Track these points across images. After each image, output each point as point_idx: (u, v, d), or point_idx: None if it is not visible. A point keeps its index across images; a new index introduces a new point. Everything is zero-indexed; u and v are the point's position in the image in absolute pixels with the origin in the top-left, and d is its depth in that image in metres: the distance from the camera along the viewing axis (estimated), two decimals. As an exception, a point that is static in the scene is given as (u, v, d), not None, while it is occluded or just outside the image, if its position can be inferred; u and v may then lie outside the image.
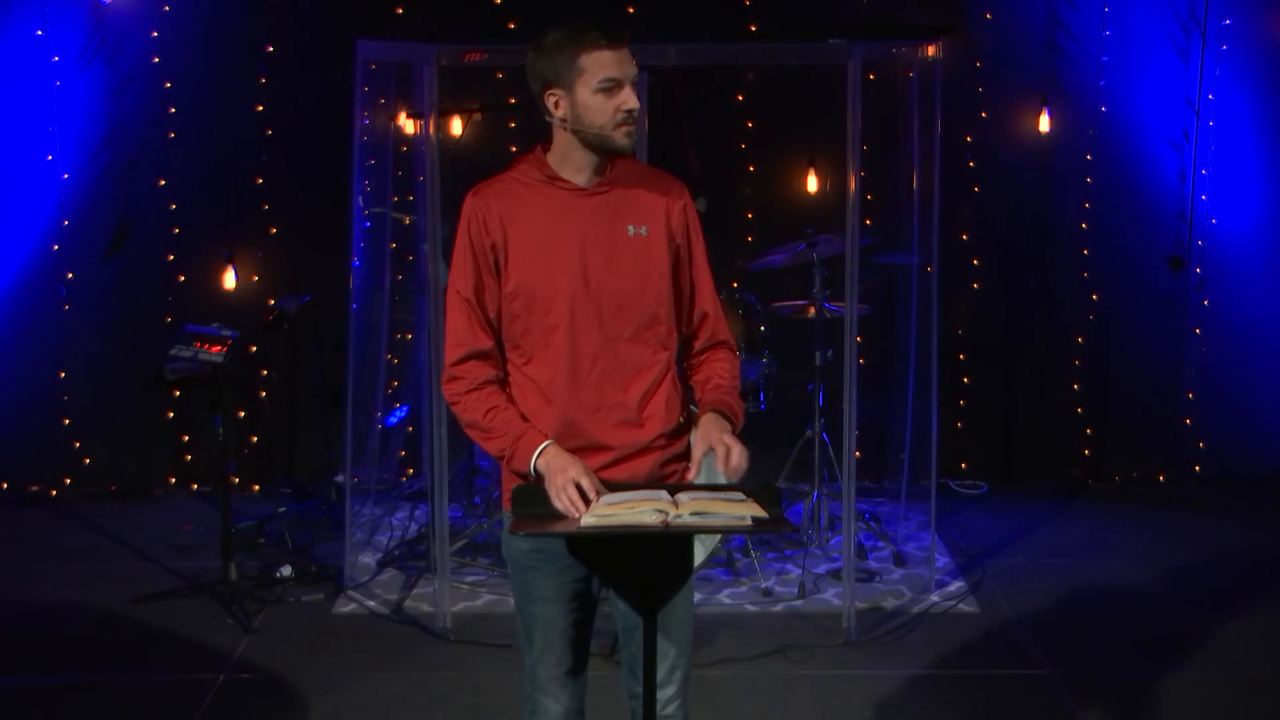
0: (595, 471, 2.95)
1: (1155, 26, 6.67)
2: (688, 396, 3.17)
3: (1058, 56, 6.71)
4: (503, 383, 3.07)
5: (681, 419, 3.11)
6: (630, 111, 2.94)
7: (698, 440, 2.98)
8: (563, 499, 2.85)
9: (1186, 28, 6.65)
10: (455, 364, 3.05)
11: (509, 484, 3.05)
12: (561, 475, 2.88)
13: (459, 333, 3.05)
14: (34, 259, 6.69)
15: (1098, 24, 6.66)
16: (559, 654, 3.09)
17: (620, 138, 2.97)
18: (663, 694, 3.10)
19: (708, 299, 3.15)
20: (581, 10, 6.70)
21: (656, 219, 3.05)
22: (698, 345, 3.18)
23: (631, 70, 2.95)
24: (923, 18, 6.50)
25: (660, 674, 3.08)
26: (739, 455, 2.92)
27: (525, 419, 3.02)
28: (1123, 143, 6.75)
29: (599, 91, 2.92)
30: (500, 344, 3.07)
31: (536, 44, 2.98)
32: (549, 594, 3.06)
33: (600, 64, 2.92)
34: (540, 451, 2.95)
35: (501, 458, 3.02)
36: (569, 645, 3.10)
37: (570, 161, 3.02)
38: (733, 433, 3.00)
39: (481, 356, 3.05)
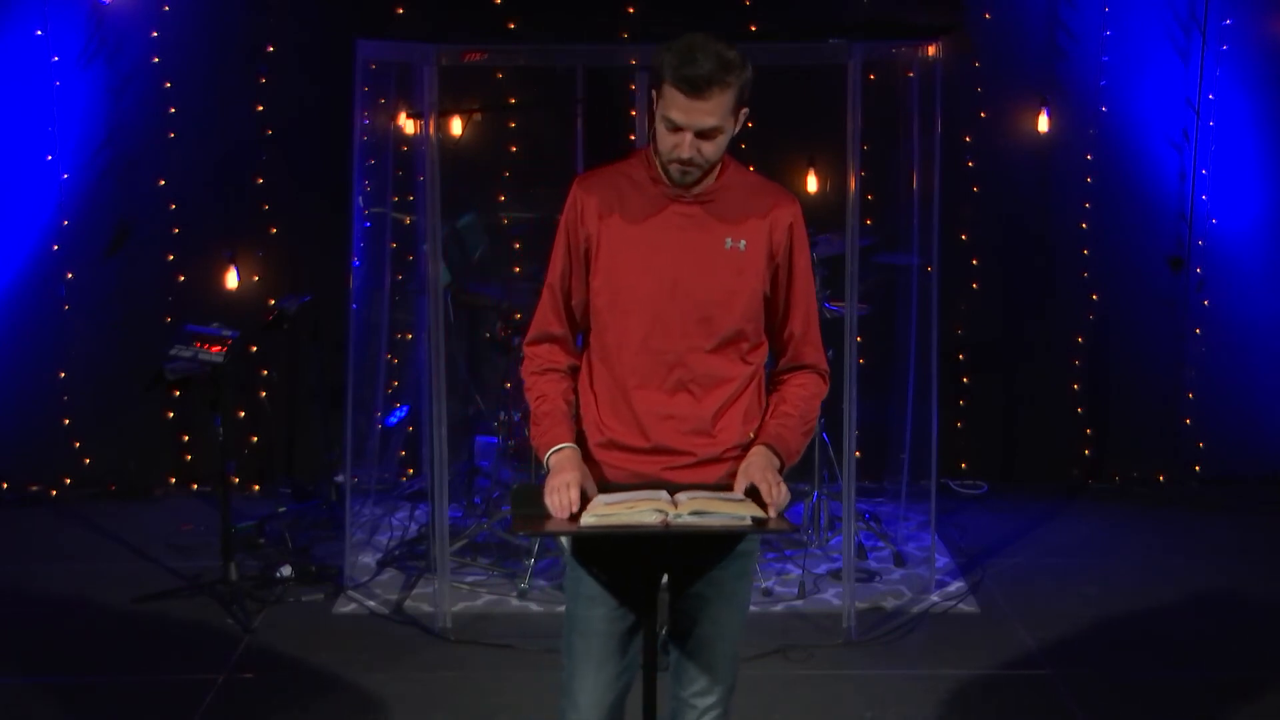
0: (663, 473, 2.95)
1: (1155, 26, 6.67)
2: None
3: (1057, 56, 6.70)
4: (570, 371, 3.08)
5: (752, 434, 3.03)
6: (678, 160, 2.87)
7: (740, 473, 2.92)
8: (553, 499, 2.84)
9: (1186, 28, 6.65)
10: (528, 344, 3.10)
11: None
12: (559, 477, 2.87)
13: (538, 315, 3.08)
14: (34, 259, 6.68)
15: (1098, 24, 6.66)
16: (596, 663, 3.01)
17: (672, 170, 2.92)
18: (703, 701, 3.10)
19: (799, 321, 3.06)
20: (581, 10, 6.71)
21: (757, 234, 2.97)
22: (781, 364, 3.11)
23: (701, 122, 2.83)
24: (923, 18, 6.49)
25: (702, 683, 3.09)
26: (781, 495, 2.85)
27: (568, 416, 3.01)
28: (1123, 143, 6.75)
29: (662, 121, 2.87)
30: (575, 332, 3.07)
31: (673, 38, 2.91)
32: (594, 594, 3.00)
33: (671, 102, 2.84)
34: (556, 450, 2.95)
35: (535, 446, 3.03)
36: (609, 657, 3.01)
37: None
38: (781, 468, 2.94)
39: (553, 340, 3.07)
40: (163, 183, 6.69)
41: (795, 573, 5.56)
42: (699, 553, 3.01)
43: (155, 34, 6.57)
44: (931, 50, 5.29)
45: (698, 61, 2.80)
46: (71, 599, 5.47)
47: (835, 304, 5.74)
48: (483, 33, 6.42)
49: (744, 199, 2.99)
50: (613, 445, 3.00)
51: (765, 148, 6.73)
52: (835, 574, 5.57)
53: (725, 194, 2.98)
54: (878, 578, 5.63)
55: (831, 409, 5.63)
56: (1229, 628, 5.16)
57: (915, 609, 5.32)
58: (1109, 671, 4.79)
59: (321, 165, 6.51)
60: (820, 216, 6.05)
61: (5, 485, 6.84)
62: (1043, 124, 6.64)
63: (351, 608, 5.38)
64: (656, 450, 2.97)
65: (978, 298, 6.87)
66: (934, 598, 5.43)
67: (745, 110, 2.92)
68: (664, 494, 2.84)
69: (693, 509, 2.75)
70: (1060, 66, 6.71)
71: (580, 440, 3.03)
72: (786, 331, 3.07)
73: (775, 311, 3.05)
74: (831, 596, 5.41)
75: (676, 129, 2.85)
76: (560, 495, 2.84)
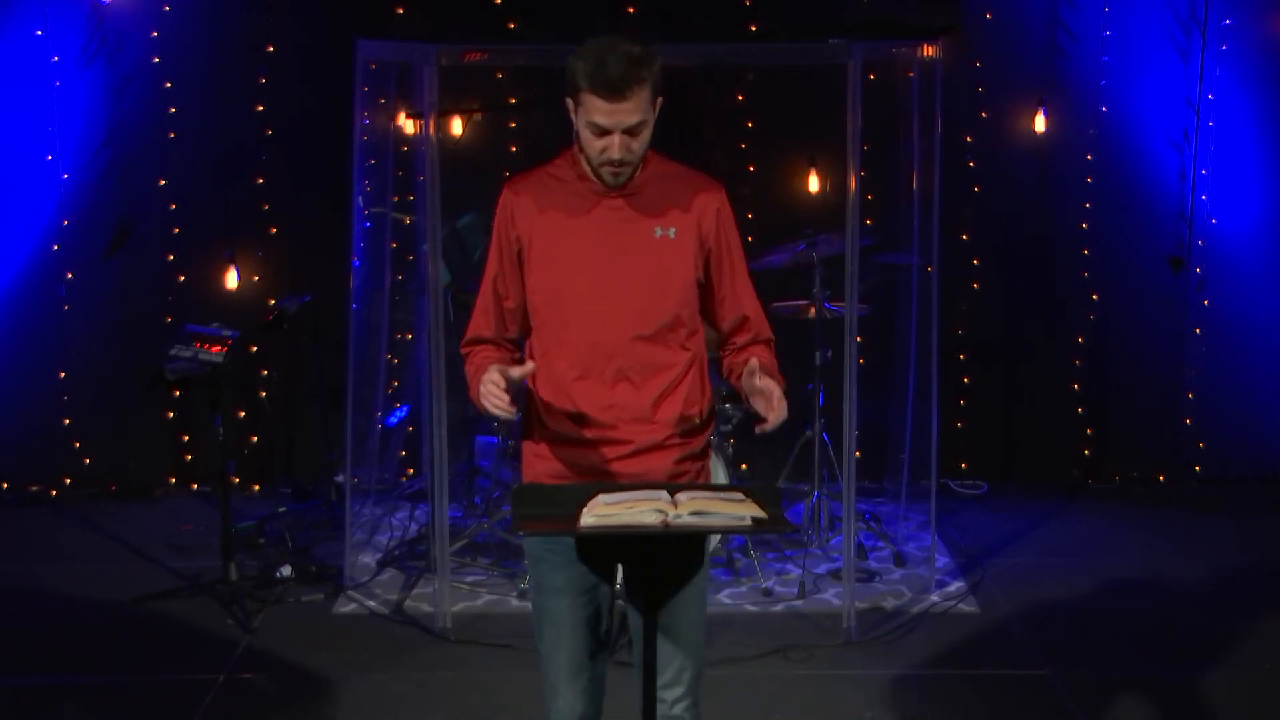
0: (610, 463, 3.04)
1: (1155, 26, 6.67)
2: (716, 394, 3.18)
3: (1057, 56, 6.70)
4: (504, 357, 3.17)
5: (698, 419, 3.12)
6: (611, 160, 2.95)
7: (757, 373, 2.96)
8: (487, 404, 2.93)
9: (1186, 28, 6.64)
10: (464, 345, 3.20)
11: (529, 471, 3.16)
12: (481, 387, 2.96)
13: (472, 319, 3.18)
14: (34, 259, 6.69)
15: (1098, 24, 6.66)
16: (569, 650, 3.10)
17: (604, 174, 3.00)
18: (670, 693, 3.13)
19: (747, 302, 3.15)
20: (581, 10, 6.71)
21: (686, 222, 3.05)
22: (739, 342, 3.18)
23: (626, 120, 2.91)
24: (922, 18, 6.49)
25: (669, 675, 3.11)
26: (780, 405, 2.93)
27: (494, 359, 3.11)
28: (1123, 143, 6.75)
29: (587, 129, 2.95)
30: (509, 333, 3.16)
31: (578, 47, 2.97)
32: (558, 586, 3.09)
33: (592, 108, 2.92)
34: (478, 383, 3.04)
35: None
36: (579, 642, 3.11)
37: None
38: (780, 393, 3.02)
39: (484, 343, 3.16)
40: (163, 183, 6.70)
41: (795, 573, 5.56)
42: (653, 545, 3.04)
43: (155, 34, 6.57)
44: (931, 50, 5.29)
45: (609, 65, 2.87)
46: (71, 599, 5.48)
47: (835, 304, 5.74)
48: (483, 33, 6.42)
49: (669, 189, 3.07)
50: (557, 439, 3.09)
51: (765, 148, 6.76)
52: (835, 574, 5.57)
53: (651, 186, 3.05)
54: (878, 578, 5.63)
55: (831, 409, 5.65)
56: (1229, 628, 5.16)
57: (915, 609, 5.32)
58: (1109, 671, 4.79)
59: (321, 165, 6.51)
60: (820, 216, 6.06)
61: (5, 485, 6.85)
62: (1039, 124, 6.64)
63: (351, 608, 5.39)
64: (598, 441, 3.05)
65: (978, 298, 6.87)
66: (934, 598, 5.43)
67: (660, 99, 3.00)
68: (664, 494, 2.85)
69: (693, 509, 2.75)
70: (1060, 66, 6.71)
71: (527, 435, 3.15)
72: (738, 314, 3.16)
73: (719, 296, 3.14)
74: (831, 596, 5.41)
75: (604, 132, 2.92)
76: (491, 398, 2.92)
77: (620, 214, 3.03)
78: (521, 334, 3.17)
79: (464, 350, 3.21)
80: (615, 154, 2.93)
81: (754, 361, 3.00)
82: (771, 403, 2.93)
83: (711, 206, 3.08)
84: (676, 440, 3.08)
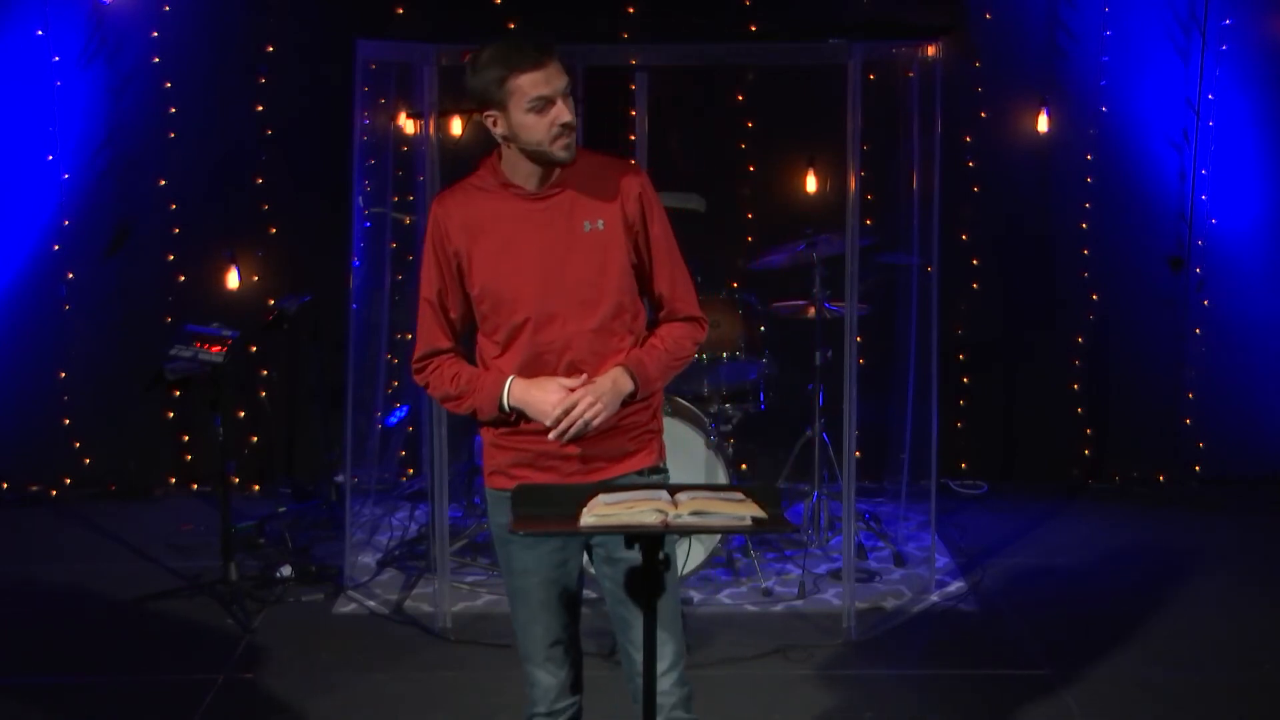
0: (565, 447, 3.11)
1: (1155, 26, 6.67)
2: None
3: (1057, 56, 6.71)
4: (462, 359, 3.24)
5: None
6: (565, 125, 3.01)
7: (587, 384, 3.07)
8: (574, 421, 3.00)
9: (1186, 28, 6.65)
10: (417, 361, 3.27)
11: (490, 461, 3.24)
12: (546, 403, 3.03)
13: (423, 333, 3.25)
14: (34, 259, 6.69)
15: (1098, 24, 6.66)
16: (542, 626, 3.21)
17: (558, 150, 3.05)
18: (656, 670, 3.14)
19: (664, 281, 3.21)
20: (581, 10, 6.71)
21: (612, 212, 3.12)
22: (659, 319, 3.28)
23: (561, 83, 3.00)
24: (922, 18, 6.50)
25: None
26: (580, 415, 3.02)
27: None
28: (1123, 143, 6.75)
29: (530, 111, 3.00)
30: (460, 341, 3.24)
31: (470, 65, 3.05)
32: (527, 566, 3.19)
33: (529, 85, 2.99)
34: (508, 392, 3.11)
35: (474, 414, 3.19)
36: (552, 617, 3.21)
37: (519, 170, 3.12)
38: (634, 393, 3.10)
39: (441, 354, 3.23)
40: (163, 183, 6.70)
41: (795, 573, 5.56)
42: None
43: (155, 34, 6.58)
44: (931, 50, 5.29)
45: (522, 44, 3.02)
46: (71, 599, 5.48)
47: (835, 304, 5.74)
48: (483, 33, 6.34)
49: (591, 181, 3.13)
50: (515, 432, 3.17)
51: (765, 148, 6.76)
52: (835, 574, 5.57)
53: (573, 182, 3.12)
54: (878, 578, 5.63)
55: (831, 409, 5.65)
56: (1229, 628, 5.16)
57: (915, 609, 5.32)
58: (1109, 671, 4.79)
59: (321, 165, 6.51)
60: (820, 216, 6.06)
61: (5, 485, 6.85)
62: (1042, 124, 6.64)
63: (351, 608, 5.39)
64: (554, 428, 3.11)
65: (978, 298, 6.87)
66: (934, 598, 5.43)
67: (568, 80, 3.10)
68: (664, 494, 2.85)
69: (693, 509, 2.76)
70: (1060, 66, 6.71)
71: (486, 428, 3.22)
72: (655, 293, 3.24)
73: (644, 277, 3.21)
74: (831, 596, 5.41)
75: (548, 103, 3.00)
76: (574, 411, 2.99)
77: (548, 215, 3.10)
78: (469, 338, 3.25)
79: (421, 364, 3.25)
80: (567, 117, 3.01)
81: (605, 375, 3.08)
82: (569, 417, 3.03)
83: (633, 192, 3.14)
84: (629, 419, 3.15)
